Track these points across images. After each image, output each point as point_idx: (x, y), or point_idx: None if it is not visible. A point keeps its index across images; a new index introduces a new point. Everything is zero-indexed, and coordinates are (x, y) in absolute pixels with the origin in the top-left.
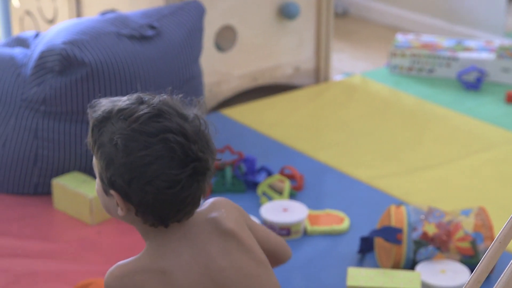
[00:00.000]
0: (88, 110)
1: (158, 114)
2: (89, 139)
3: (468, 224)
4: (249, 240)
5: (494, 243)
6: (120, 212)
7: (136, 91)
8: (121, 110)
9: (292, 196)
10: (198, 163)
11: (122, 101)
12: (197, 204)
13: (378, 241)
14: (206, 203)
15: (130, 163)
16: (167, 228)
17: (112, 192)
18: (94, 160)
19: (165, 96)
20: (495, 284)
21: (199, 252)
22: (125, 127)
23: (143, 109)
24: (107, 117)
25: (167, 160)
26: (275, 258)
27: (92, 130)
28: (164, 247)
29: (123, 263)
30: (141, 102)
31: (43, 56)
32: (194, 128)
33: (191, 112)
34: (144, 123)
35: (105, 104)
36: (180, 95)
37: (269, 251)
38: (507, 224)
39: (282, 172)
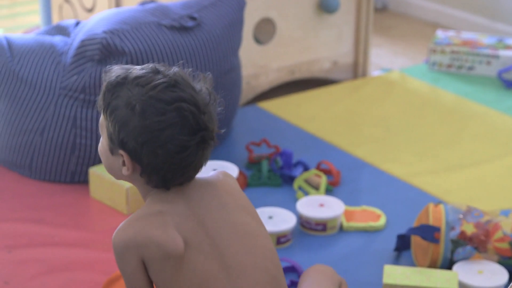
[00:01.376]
0: (102, 75)
1: (174, 84)
2: (100, 101)
3: (507, 225)
4: (247, 202)
5: None
6: (125, 171)
7: None
8: (138, 77)
9: (329, 191)
10: (205, 132)
11: (137, 69)
12: (198, 170)
13: (415, 239)
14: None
15: (146, 126)
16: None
17: (121, 152)
18: (102, 121)
19: (177, 69)
20: None
21: (195, 205)
22: (143, 93)
23: (160, 79)
24: (122, 83)
25: (179, 127)
26: None
27: (105, 93)
28: (161, 199)
29: (125, 220)
30: (157, 72)
31: (83, 44)
32: (204, 100)
33: (200, 85)
34: (161, 91)
35: (118, 70)
36: (189, 70)
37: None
38: None
39: (318, 167)
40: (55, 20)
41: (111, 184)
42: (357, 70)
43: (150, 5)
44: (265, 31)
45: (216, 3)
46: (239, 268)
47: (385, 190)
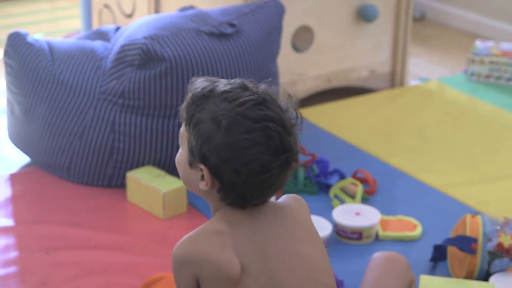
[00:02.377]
0: (188, 87)
1: (262, 102)
2: (183, 112)
3: None
4: (316, 234)
5: None
6: (202, 186)
7: None
8: (225, 92)
9: (365, 200)
10: (290, 154)
11: (224, 83)
12: (277, 191)
13: (452, 250)
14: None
15: (231, 143)
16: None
17: (201, 166)
18: (183, 132)
19: (265, 86)
20: None
21: (260, 230)
22: (230, 108)
23: (249, 96)
24: (208, 96)
25: (264, 146)
26: None
27: (189, 104)
28: (227, 218)
29: (187, 234)
30: (245, 88)
31: (123, 50)
32: (290, 120)
33: (287, 104)
34: (249, 108)
35: (204, 82)
36: (276, 88)
37: None
38: None
39: (355, 176)
40: (95, 25)
41: (148, 189)
42: (395, 79)
43: (190, 12)
44: (303, 39)
45: (256, 10)
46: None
47: (421, 200)
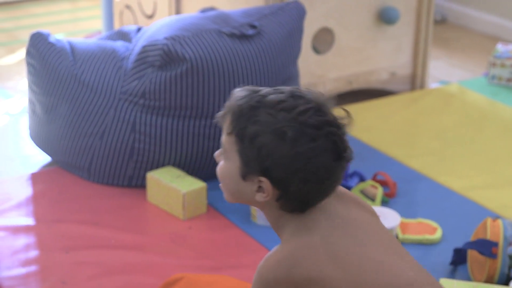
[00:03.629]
0: (229, 98)
1: (319, 108)
2: (229, 124)
3: None
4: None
5: None
6: (261, 197)
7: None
8: (280, 102)
9: (384, 202)
10: (348, 154)
11: (271, 93)
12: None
13: (472, 254)
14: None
15: (299, 154)
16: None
17: (261, 179)
18: (231, 145)
19: (313, 91)
20: None
21: (333, 217)
22: (291, 119)
23: (305, 104)
24: (257, 106)
25: (329, 152)
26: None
27: (238, 117)
28: (306, 228)
29: (272, 254)
30: (297, 96)
31: (145, 50)
32: (342, 121)
33: (332, 105)
34: (311, 117)
35: (246, 92)
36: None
37: None
38: None
39: (374, 178)
40: (116, 25)
41: (168, 189)
42: (415, 82)
43: (211, 13)
44: (323, 40)
45: (277, 12)
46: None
47: (441, 203)
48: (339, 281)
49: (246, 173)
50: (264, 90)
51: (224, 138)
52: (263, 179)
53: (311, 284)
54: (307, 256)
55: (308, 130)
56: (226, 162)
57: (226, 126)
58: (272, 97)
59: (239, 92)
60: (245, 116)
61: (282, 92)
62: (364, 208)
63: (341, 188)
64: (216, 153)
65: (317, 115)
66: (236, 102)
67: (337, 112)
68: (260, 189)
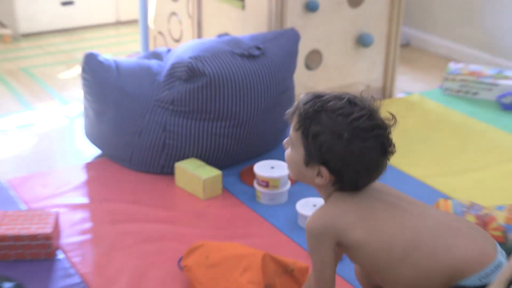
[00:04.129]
0: (298, 101)
1: (371, 114)
2: (296, 123)
3: (501, 217)
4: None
5: None
6: (320, 181)
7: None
8: (339, 109)
9: None
10: (392, 149)
11: (332, 99)
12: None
13: None
14: None
15: (352, 151)
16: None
17: (321, 167)
18: (297, 138)
19: (366, 97)
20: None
21: (370, 207)
22: (347, 123)
23: (359, 111)
24: (319, 110)
25: (377, 150)
26: None
27: (304, 118)
28: (343, 201)
29: (316, 211)
30: (353, 103)
31: (173, 67)
32: (389, 123)
33: (378, 108)
34: (364, 122)
35: (310, 97)
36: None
37: None
38: None
39: None
40: (151, 47)
41: (191, 176)
42: (385, 92)
43: (226, 37)
44: (314, 60)
45: (277, 37)
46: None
47: (405, 187)
48: (364, 239)
49: (309, 161)
50: (326, 96)
51: (291, 132)
52: (322, 168)
53: (343, 237)
54: (341, 215)
55: (361, 133)
56: (292, 150)
57: (293, 124)
58: (332, 103)
59: (305, 97)
60: (309, 118)
61: (341, 99)
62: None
63: None
64: (285, 141)
65: (368, 120)
66: (303, 105)
67: (384, 114)
68: (319, 174)
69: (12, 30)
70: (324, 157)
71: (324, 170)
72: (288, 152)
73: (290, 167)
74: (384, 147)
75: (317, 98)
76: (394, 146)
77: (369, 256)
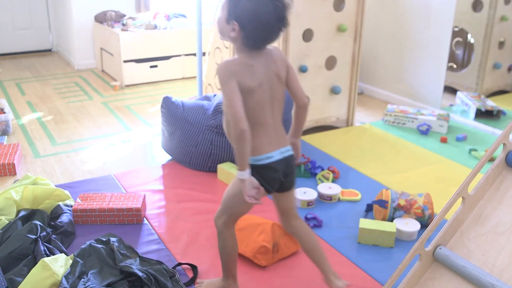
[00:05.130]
0: None
1: None
2: None
3: (420, 201)
4: (283, 67)
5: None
6: (233, 34)
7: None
8: None
9: (333, 181)
10: (285, 18)
11: None
12: (273, 42)
13: (375, 207)
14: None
15: (255, 10)
16: (253, 50)
17: (234, 23)
18: (225, 4)
19: None
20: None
21: (266, 62)
22: None
23: None
24: None
25: (273, 14)
26: (295, 98)
27: None
28: (250, 56)
29: (228, 59)
30: None
31: (217, 105)
32: (287, 3)
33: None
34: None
35: None
36: None
37: (292, 89)
38: (449, 201)
39: (328, 169)
40: (204, 93)
41: (227, 173)
42: (348, 122)
43: None
44: None
45: None
46: (275, 101)
47: (361, 182)
48: (246, 81)
49: (228, 19)
50: None
51: (222, 4)
52: (235, 23)
53: (240, 82)
54: (239, 62)
55: (269, 5)
56: (221, 14)
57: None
58: None
59: None
60: None
61: None
62: (282, 83)
63: (280, 54)
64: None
65: None
66: None
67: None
68: (233, 29)
69: (120, 82)
70: (236, 13)
71: (236, 25)
72: (218, 16)
73: (218, 26)
74: (279, 15)
75: None
76: (287, 20)
77: (255, 97)
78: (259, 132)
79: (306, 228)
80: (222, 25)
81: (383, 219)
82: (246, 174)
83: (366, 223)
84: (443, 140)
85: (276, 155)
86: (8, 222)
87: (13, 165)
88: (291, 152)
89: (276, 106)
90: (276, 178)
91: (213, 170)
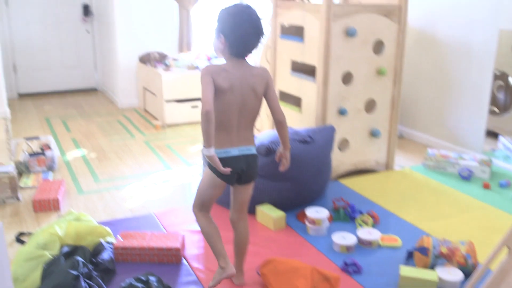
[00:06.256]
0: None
1: (251, 9)
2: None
3: (463, 249)
4: (261, 85)
5: (484, 264)
6: (220, 44)
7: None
8: (234, 6)
9: (373, 226)
10: (259, 27)
11: (231, 5)
12: (251, 52)
13: (416, 254)
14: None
15: (234, 23)
16: (237, 59)
17: (221, 35)
18: (216, 25)
19: (246, 5)
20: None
21: (242, 71)
22: (235, 10)
23: (246, 7)
24: (224, 9)
25: (249, 23)
26: (272, 114)
27: (218, 14)
28: (229, 63)
29: (210, 65)
30: (246, 6)
31: (257, 147)
32: (260, 18)
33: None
34: (244, 8)
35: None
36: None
37: (270, 106)
38: (493, 251)
39: (368, 213)
40: None
41: (266, 215)
42: (388, 166)
43: (289, 130)
44: (343, 145)
45: (322, 130)
46: (245, 108)
47: (401, 227)
48: (219, 80)
49: (217, 34)
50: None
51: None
52: (221, 35)
53: (214, 80)
54: (218, 66)
55: (239, 13)
56: (215, 35)
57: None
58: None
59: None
60: (219, 13)
61: (236, 5)
62: (257, 96)
63: (263, 72)
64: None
65: (247, 9)
66: (220, 11)
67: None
68: (221, 41)
69: (162, 122)
70: (221, 28)
71: (222, 37)
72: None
73: (213, 45)
74: (254, 25)
75: (223, 7)
76: (263, 33)
77: (224, 99)
78: (223, 131)
79: (246, 227)
80: (215, 43)
81: (425, 267)
82: (212, 150)
83: (407, 271)
84: (486, 186)
85: (233, 151)
86: (51, 257)
87: (57, 200)
88: (251, 152)
89: (244, 113)
90: (233, 170)
91: (252, 212)
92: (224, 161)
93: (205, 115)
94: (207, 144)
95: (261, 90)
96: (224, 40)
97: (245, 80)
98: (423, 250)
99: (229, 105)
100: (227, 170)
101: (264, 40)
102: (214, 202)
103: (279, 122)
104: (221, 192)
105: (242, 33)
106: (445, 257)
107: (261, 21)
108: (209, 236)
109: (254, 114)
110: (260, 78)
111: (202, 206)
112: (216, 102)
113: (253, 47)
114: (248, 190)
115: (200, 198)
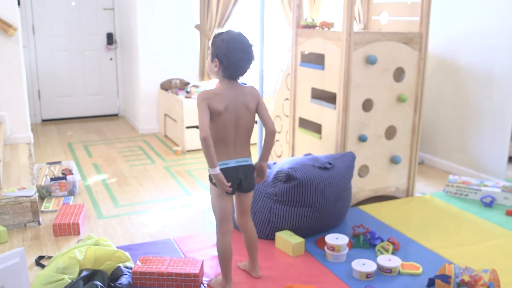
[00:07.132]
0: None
1: (243, 37)
2: (212, 43)
3: (486, 277)
4: (253, 103)
5: None
6: (215, 68)
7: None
8: (227, 33)
9: (393, 253)
10: (250, 53)
11: (223, 31)
12: (243, 74)
13: (438, 282)
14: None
15: (227, 48)
16: (229, 80)
17: (216, 59)
18: (210, 49)
19: (237, 33)
20: None
21: (235, 92)
22: (229, 36)
23: (238, 34)
24: (218, 35)
25: (241, 49)
26: (264, 125)
27: (212, 38)
28: (223, 86)
29: (206, 91)
30: (238, 33)
31: (277, 173)
32: (252, 45)
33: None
34: (236, 35)
35: (214, 34)
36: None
37: (262, 118)
38: None
39: (388, 240)
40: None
41: (285, 241)
42: (408, 192)
43: (309, 156)
44: (363, 171)
45: (341, 157)
46: (240, 125)
47: (422, 254)
48: (214, 104)
49: (212, 58)
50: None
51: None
52: (216, 59)
53: (210, 104)
54: (211, 92)
55: (232, 39)
56: (209, 58)
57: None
58: (223, 34)
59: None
60: (214, 37)
61: (229, 32)
62: (250, 112)
63: (252, 90)
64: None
65: (240, 37)
66: (212, 36)
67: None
68: (215, 64)
69: (182, 147)
70: (216, 53)
71: (216, 61)
72: (207, 61)
73: (208, 68)
74: (246, 50)
75: (217, 33)
76: (253, 58)
77: (221, 119)
78: (221, 145)
79: (253, 227)
80: (210, 65)
81: None
82: (217, 169)
83: None
84: (509, 213)
85: (231, 163)
86: (70, 281)
87: (78, 224)
88: (248, 163)
89: (240, 129)
90: (232, 179)
91: (271, 238)
92: (224, 171)
93: (203, 141)
94: (211, 165)
95: (254, 106)
96: (219, 64)
97: (238, 99)
98: (445, 278)
99: (226, 123)
100: (229, 188)
101: (284, 68)
102: (231, 214)
103: (271, 132)
104: (231, 201)
105: (235, 58)
106: (468, 285)
107: (252, 47)
108: (223, 258)
109: (249, 128)
110: (251, 96)
111: (222, 222)
112: (214, 123)
113: (245, 71)
114: (249, 197)
115: (217, 214)
